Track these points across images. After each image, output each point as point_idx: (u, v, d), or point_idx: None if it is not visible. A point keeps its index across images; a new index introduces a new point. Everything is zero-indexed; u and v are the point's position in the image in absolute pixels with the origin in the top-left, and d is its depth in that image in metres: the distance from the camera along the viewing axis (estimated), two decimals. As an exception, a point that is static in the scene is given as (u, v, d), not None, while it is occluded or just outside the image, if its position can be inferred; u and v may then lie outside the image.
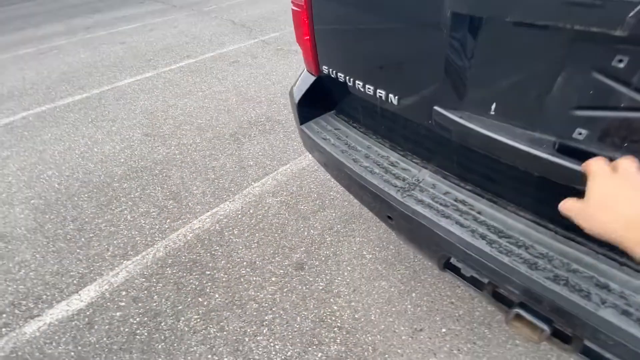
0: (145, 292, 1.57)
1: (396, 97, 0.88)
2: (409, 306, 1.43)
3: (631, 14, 0.43)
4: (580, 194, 0.47)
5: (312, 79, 1.17)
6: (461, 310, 1.39)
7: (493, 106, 0.68)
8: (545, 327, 0.67)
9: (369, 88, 0.95)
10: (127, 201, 2.10)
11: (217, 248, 1.74)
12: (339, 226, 1.81)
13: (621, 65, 0.50)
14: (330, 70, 1.07)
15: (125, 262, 1.71)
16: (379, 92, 0.92)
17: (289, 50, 4.13)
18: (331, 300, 1.47)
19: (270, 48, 4.26)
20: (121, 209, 2.03)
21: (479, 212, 0.78)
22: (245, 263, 1.65)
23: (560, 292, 0.62)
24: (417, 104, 0.84)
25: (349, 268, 1.60)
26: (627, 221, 0.39)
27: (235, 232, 1.82)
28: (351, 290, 1.50)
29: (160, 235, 1.85)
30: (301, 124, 1.20)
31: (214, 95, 3.26)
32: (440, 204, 0.82)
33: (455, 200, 0.83)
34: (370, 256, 1.65)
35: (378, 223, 1.79)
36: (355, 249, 1.69)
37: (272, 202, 1.99)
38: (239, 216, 1.92)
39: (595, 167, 0.46)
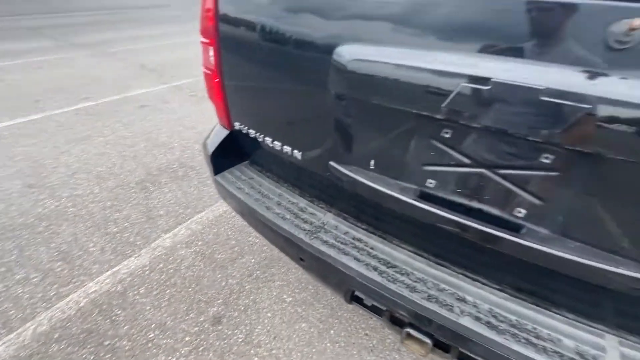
0: (18, 380, 1.28)
1: (300, 153, 1.01)
2: (329, 344, 1.48)
3: (445, 102, 0.64)
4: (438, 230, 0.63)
5: (225, 132, 1.25)
6: (374, 340, 1.51)
7: (372, 162, 0.85)
8: (428, 340, 0.82)
9: (277, 144, 1.07)
10: (-5, 268, 1.73)
11: (119, 312, 1.55)
12: (258, 272, 1.81)
13: (447, 135, 0.72)
14: (242, 126, 1.17)
15: (-11, 345, 1.38)
16: (285, 148, 1.04)
17: (202, 96, 4.15)
18: (251, 352, 1.43)
19: (182, 93, 4.23)
20: (-13, 279, 1.66)
21: (371, 248, 0.93)
22: (153, 325, 1.50)
23: (432, 308, 0.77)
24: (317, 160, 0.98)
25: (269, 314, 1.59)
26: None
27: (142, 291, 1.66)
28: (272, 337, 1.49)
29: (43, 305, 1.56)
30: (215, 174, 1.24)
31: (118, 140, 3.03)
32: (342, 243, 0.94)
33: (353, 238, 0.96)
34: (290, 299, 1.68)
35: (296, 265, 1.86)
36: (275, 293, 1.70)
37: (186, 254, 1.89)
38: (146, 273, 1.76)
39: None
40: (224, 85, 1.13)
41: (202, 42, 1.09)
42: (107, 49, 6.08)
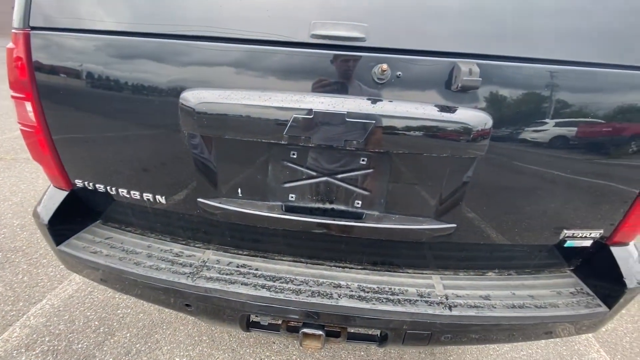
0: None
1: (163, 197, 0.99)
2: (237, 387, 1.42)
3: (285, 131, 0.79)
4: (307, 235, 0.75)
5: (63, 194, 1.08)
6: (281, 362, 1.53)
7: (239, 190, 0.94)
8: (320, 332, 0.93)
9: (134, 194, 1.01)
10: None
11: None
12: (138, 345, 1.56)
13: (295, 156, 0.88)
14: (86, 182, 1.05)
15: None
16: (146, 196, 1.00)
17: (15, 158, 3.31)
18: None
19: (-20, 160, 3.24)
20: None
21: (256, 270, 1.00)
22: None
23: (317, 301, 0.90)
24: (183, 199, 0.99)
25: (162, 386, 1.40)
26: None
27: None
28: (171, 409, 1.32)
29: None
30: (58, 245, 1.05)
31: None
32: (226, 274, 0.97)
33: (237, 266, 1.01)
34: (185, 359, 1.52)
35: (183, 319, 1.70)
36: (164, 360, 1.51)
37: (29, 359, 1.45)
38: (-38, 408, 1.26)
39: None
40: (52, 141, 0.99)
41: (14, 97, 0.94)
42: None
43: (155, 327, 1.66)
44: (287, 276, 0.98)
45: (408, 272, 1.01)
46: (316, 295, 0.91)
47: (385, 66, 0.71)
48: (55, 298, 1.78)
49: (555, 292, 0.97)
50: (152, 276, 0.96)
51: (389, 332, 0.93)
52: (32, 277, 1.90)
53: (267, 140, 0.82)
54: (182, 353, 1.55)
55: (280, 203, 0.94)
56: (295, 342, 1.54)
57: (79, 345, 1.54)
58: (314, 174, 0.89)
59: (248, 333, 1.12)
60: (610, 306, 0.93)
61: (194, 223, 1.07)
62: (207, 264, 1.02)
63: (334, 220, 0.91)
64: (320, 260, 1.04)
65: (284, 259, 1.05)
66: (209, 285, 0.93)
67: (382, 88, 0.76)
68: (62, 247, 1.05)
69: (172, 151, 0.93)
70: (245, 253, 1.07)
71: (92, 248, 1.05)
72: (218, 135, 0.83)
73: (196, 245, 1.10)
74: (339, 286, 0.95)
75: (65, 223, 1.08)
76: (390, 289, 0.95)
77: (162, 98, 0.85)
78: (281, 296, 0.90)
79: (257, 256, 1.06)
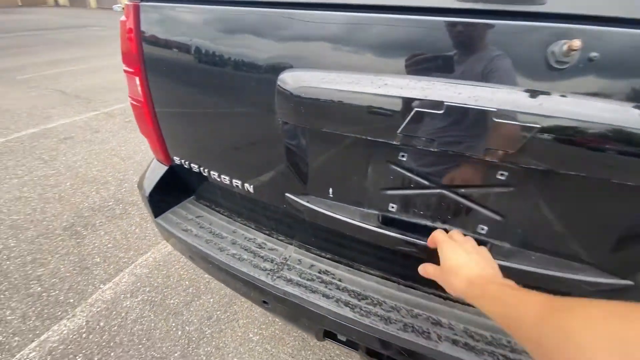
0: None
1: (251, 186, 0.93)
2: (304, 380, 1.38)
3: (400, 129, 0.61)
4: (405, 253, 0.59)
5: (163, 168, 1.11)
6: (351, 365, 1.44)
7: (331, 190, 0.80)
8: (408, 373, 0.77)
9: (224, 178, 0.97)
10: None
11: (51, 391, 1.29)
12: (218, 312, 1.66)
13: (404, 158, 0.70)
14: (183, 160, 1.05)
15: None
16: (235, 182, 0.95)
17: (139, 122, 3.84)
18: (219, 406, 1.28)
19: (115, 121, 3.86)
20: None
21: (339, 280, 0.87)
22: (97, 399, 1.28)
23: (410, 338, 0.73)
24: (271, 192, 0.90)
25: (235, 359, 1.45)
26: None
27: (79, 359, 1.41)
28: (241, 385, 1.36)
29: (-58, 403, 1.24)
30: (156, 216, 1.10)
31: (37, 181, 2.64)
32: (307, 279, 0.87)
33: (319, 272, 0.90)
34: (257, 337, 1.55)
35: (260, 297, 1.74)
36: (240, 334, 1.56)
37: (132, 305, 1.67)
38: (84, 336, 1.51)
39: (441, 237, 0.62)
40: (156, 117, 1.00)
41: (126, 71, 0.96)
42: (16, 76, 5.37)
43: (235, 298, 1.74)
44: (375, 296, 0.83)
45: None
46: (409, 329, 0.75)
47: (577, 43, 0.46)
48: (157, 253, 2.00)
49: None
50: (234, 266, 0.92)
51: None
52: (142, 230, 2.18)
53: (372, 137, 0.65)
54: (255, 330, 1.58)
55: (376, 212, 0.77)
56: None
57: (171, 301, 1.71)
58: (426, 183, 0.70)
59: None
60: None
61: (280, 214, 0.99)
62: (288, 262, 0.94)
63: (445, 244, 0.71)
64: (417, 284, 0.86)
65: (372, 272, 0.91)
66: (289, 288, 0.85)
67: (559, 77, 0.51)
68: (159, 219, 1.09)
69: (265, 138, 0.83)
70: (328, 257, 0.95)
71: (183, 225, 1.06)
72: (314, 127, 0.70)
73: (279, 238, 1.03)
74: (439, 324, 0.77)
75: (163, 197, 1.12)
76: (509, 342, 0.73)
77: (261, 78, 0.75)
78: (367, 321, 0.76)
79: (341, 263, 0.94)
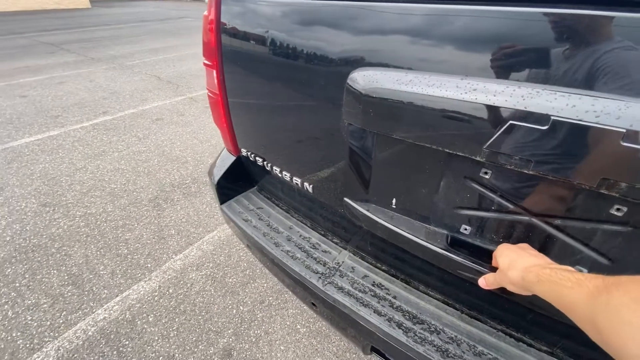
0: (22, 418, 1.23)
1: (310, 185, 0.90)
2: (346, 383, 1.36)
3: (487, 144, 0.52)
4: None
5: (232, 158, 1.16)
6: (396, 379, 1.37)
7: (394, 201, 0.74)
8: (463, 415, 0.69)
9: (285, 174, 0.97)
10: (8, 292, 1.71)
11: (127, 343, 1.48)
12: (270, 298, 1.72)
13: (487, 176, 0.60)
14: (249, 153, 1.07)
15: (-4, 378, 1.35)
16: (295, 179, 0.94)
17: (217, 108, 4.13)
18: (263, 390, 1.33)
19: (198, 105, 4.22)
20: (-2, 304, 1.64)
21: (394, 297, 0.81)
22: (161, 358, 1.43)
23: (470, 380, 0.64)
24: (330, 194, 0.87)
25: (282, 347, 1.49)
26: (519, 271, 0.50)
27: (151, 319, 1.59)
28: (285, 374, 1.39)
29: (51, 334, 1.51)
30: (222, 203, 1.15)
31: (132, 155, 3.03)
32: (359, 291, 0.83)
33: (373, 284, 0.85)
34: (305, 329, 1.57)
35: (311, 290, 1.75)
36: (288, 323, 1.60)
37: (196, 278, 1.82)
38: (156, 298, 1.69)
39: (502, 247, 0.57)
40: (228, 110, 1.04)
41: (205, 64, 1.01)
42: (125, 62, 6.21)
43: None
44: (433, 322, 0.75)
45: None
46: (470, 369, 0.66)
47: None
48: (222, 232, 2.15)
49: None
50: (287, 263, 0.92)
51: None
52: (211, 209, 2.36)
53: (451, 150, 0.56)
54: (303, 322, 1.60)
55: (445, 232, 0.69)
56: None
57: (230, 280, 1.82)
58: (512, 207, 0.59)
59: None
60: None
61: (337, 217, 0.96)
62: (341, 267, 0.90)
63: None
64: (484, 316, 0.75)
65: (431, 294, 0.82)
66: (339, 297, 0.82)
67: None
68: (224, 206, 1.15)
69: (329, 138, 0.80)
70: (384, 269, 0.89)
71: (244, 215, 1.10)
72: (384, 132, 0.63)
73: (334, 240, 1.00)
74: (508, 369, 0.66)
75: (229, 185, 1.17)
76: (600, 411, 0.59)
77: (332, 74, 0.71)
78: (420, 349, 0.69)
79: (397, 278, 0.87)
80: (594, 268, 0.55)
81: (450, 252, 0.66)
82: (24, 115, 3.79)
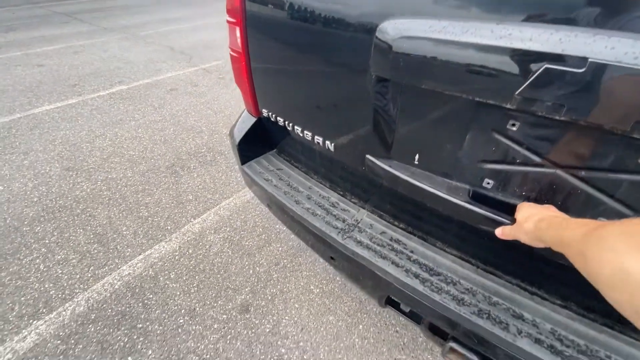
0: (61, 357, 1.34)
1: (332, 144, 0.92)
2: (357, 340, 1.43)
3: (519, 90, 0.52)
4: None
5: (252, 120, 1.18)
6: (405, 338, 1.44)
7: (417, 157, 0.75)
8: (475, 358, 0.73)
9: (307, 134, 0.98)
10: (39, 248, 1.82)
11: (151, 296, 1.58)
12: (285, 261, 1.78)
13: (514, 128, 0.60)
14: (270, 113, 1.09)
15: (35, 322, 1.46)
16: (317, 138, 0.95)
17: (231, 79, 4.11)
18: (279, 342, 1.42)
19: (211, 76, 4.20)
20: (32, 258, 1.75)
21: (411, 251, 0.84)
22: (183, 311, 1.52)
23: (484, 325, 0.68)
24: (352, 152, 0.89)
25: (296, 305, 1.56)
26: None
27: (172, 276, 1.68)
28: (299, 329, 1.47)
29: (81, 286, 1.62)
30: (242, 164, 1.18)
31: (148, 124, 3.07)
32: (377, 244, 0.86)
33: (391, 239, 0.88)
34: (318, 290, 1.64)
35: (324, 255, 1.81)
36: (302, 284, 1.66)
37: (214, 240, 1.89)
38: (177, 258, 1.78)
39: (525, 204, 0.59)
40: (250, 69, 1.04)
41: (229, 22, 1.00)
42: (138, 32, 6.15)
43: (301, 250, 1.84)
44: (449, 275, 0.78)
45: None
46: (484, 316, 0.69)
47: None
48: (238, 199, 2.21)
49: None
50: (307, 219, 0.95)
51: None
52: (227, 178, 2.41)
53: (482, 99, 0.57)
54: (316, 283, 1.67)
55: (467, 187, 0.70)
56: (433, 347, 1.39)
57: (246, 243, 1.89)
58: (538, 160, 0.60)
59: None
60: None
61: (356, 177, 0.98)
62: (359, 224, 0.93)
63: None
64: (500, 272, 0.78)
65: (447, 250, 0.85)
66: (358, 249, 0.85)
67: None
68: (244, 167, 1.18)
69: (354, 97, 0.80)
70: (402, 226, 0.92)
71: (265, 175, 1.13)
72: (412, 83, 0.64)
73: (352, 200, 1.02)
74: (521, 318, 0.69)
75: (250, 146, 1.19)
76: (608, 356, 0.62)
77: (358, 30, 0.70)
78: (437, 297, 0.73)
79: (414, 235, 0.89)
80: (616, 218, 0.56)
81: (471, 205, 0.68)
82: (43, 83, 3.85)
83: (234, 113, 3.31)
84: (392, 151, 0.78)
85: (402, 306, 0.92)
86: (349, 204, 1.01)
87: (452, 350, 0.76)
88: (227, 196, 2.23)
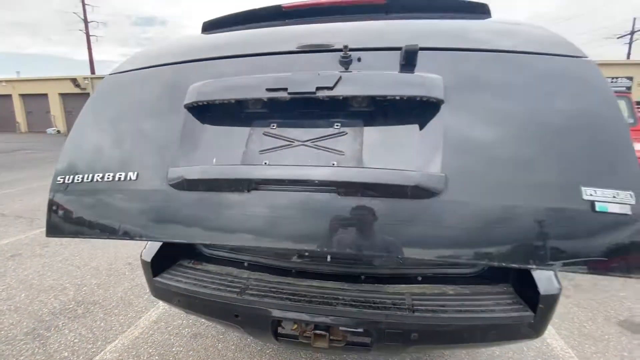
0: None
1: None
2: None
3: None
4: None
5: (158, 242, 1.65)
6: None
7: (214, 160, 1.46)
8: (325, 333, 1.33)
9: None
10: None
11: None
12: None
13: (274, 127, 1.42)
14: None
15: None
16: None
17: (91, 233, 4.05)
18: None
19: (65, 234, 4.03)
20: None
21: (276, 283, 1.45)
22: None
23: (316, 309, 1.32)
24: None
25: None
26: None
27: None
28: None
29: None
30: (154, 277, 1.58)
31: (-13, 298, 2.70)
32: (270, 292, 1.43)
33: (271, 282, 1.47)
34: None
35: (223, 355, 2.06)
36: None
37: (107, 383, 1.86)
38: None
39: None
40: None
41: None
42: (-55, 204, 5.24)
43: (202, 362, 2.03)
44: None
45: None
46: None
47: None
48: (125, 339, 2.23)
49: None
50: (214, 294, 1.44)
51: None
52: (107, 323, 2.39)
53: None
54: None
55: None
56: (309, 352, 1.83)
57: (144, 375, 1.94)
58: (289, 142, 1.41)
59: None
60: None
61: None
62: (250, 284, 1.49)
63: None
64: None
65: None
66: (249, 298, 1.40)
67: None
68: (157, 278, 1.57)
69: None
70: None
71: (175, 278, 1.57)
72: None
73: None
74: (343, 289, 1.38)
75: (160, 262, 1.62)
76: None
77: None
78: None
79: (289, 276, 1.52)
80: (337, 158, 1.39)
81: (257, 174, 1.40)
82: None
83: (102, 264, 3.30)
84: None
85: (287, 332, 1.45)
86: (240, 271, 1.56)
87: (316, 336, 1.34)
88: (110, 340, 2.23)
